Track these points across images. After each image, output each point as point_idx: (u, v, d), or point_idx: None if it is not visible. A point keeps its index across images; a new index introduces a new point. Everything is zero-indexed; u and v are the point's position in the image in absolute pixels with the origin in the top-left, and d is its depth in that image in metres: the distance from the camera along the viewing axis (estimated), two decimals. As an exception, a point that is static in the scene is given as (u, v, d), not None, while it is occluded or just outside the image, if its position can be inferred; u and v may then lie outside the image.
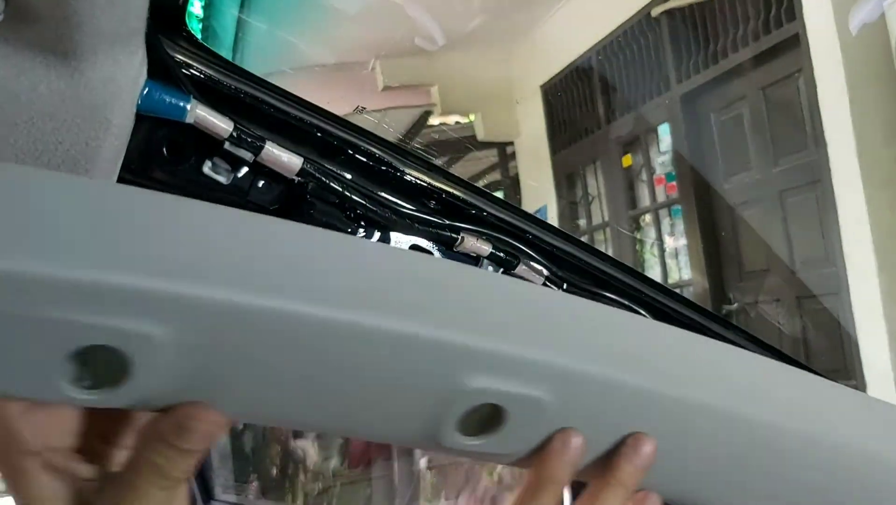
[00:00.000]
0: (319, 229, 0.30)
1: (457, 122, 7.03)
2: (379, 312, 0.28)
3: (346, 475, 3.74)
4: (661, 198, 4.28)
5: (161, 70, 0.51)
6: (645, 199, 4.45)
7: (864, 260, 2.88)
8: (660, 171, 4.26)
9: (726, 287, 3.79)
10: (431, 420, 0.32)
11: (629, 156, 4.50)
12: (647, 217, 4.48)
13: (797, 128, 3.25)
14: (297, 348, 0.28)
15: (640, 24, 4.02)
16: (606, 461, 0.38)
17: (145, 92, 0.49)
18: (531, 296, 0.35)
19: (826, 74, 2.94)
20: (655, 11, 3.82)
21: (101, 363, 0.27)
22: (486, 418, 0.33)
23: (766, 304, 3.53)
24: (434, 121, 6.67)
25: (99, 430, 0.32)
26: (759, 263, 3.62)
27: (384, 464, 3.75)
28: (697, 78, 3.70)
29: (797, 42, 3.07)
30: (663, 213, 4.32)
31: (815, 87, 3.00)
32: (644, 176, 4.41)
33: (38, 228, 0.24)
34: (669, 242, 4.32)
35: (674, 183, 4.09)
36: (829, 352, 3.15)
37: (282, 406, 0.30)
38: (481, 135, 5.49)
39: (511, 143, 5.72)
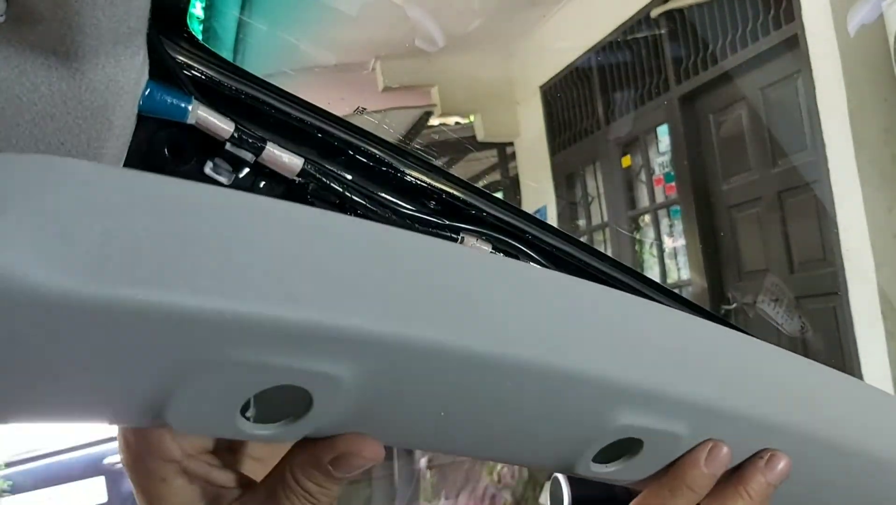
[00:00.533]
0: (492, 263, 0.31)
1: (457, 123, 7.04)
2: (548, 352, 0.29)
3: (345, 475, 3.74)
4: (660, 198, 4.29)
5: (162, 71, 0.51)
6: (644, 200, 4.46)
7: (862, 260, 2.88)
8: (659, 172, 4.26)
9: (725, 287, 3.79)
10: (574, 451, 0.33)
11: (628, 156, 4.50)
12: (647, 217, 4.48)
13: (796, 129, 3.25)
14: (467, 385, 0.28)
15: (640, 25, 4.03)
16: (737, 473, 0.38)
17: (147, 93, 0.50)
18: (676, 326, 0.35)
19: (824, 75, 2.94)
20: (655, 12, 3.82)
21: (275, 400, 0.27)
22: (621, 448, 0.34)
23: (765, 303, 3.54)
24: (434, 121, 6.67)
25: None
26: (757, 263, 3.62)
27: (384, 464, 3.75)
28: (696, 79, 3.70)
29: (796, 43, 3.07)
30: (662, 213, 4.33)
31: (813, 88, 3.00)
32: (643, 176, 4.42)
33: (242, 270, 0.23)
34: (668, 243, 4.32)
35: (673, 183, 4.10)
36: (827, 351, 3.15)
37: (438, 436, 0.31)
38: (481, 135, 5.50)
39: (511, 144, 5.72)
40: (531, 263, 0.51)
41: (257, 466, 0.33)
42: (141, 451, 0.31)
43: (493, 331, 0.27)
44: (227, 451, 0.33)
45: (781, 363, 0.39)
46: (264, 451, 0.33)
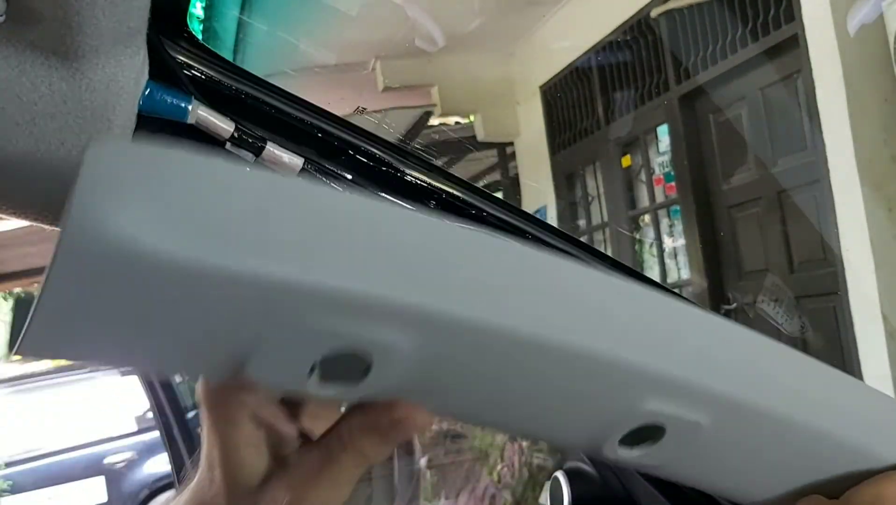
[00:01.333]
0: (542, 257, 0.33)
1: (457, 123, 7.04)
2: (591, 339, 0.32)
3: (345, 475, 3.74)
4: (660, 198, 4.29)
5: (162, 71, 0.51)
6: (644, 200, 4.46)
7: (861, 259, 2.89)
8: (659, 172, 4.26)
9: (725, 287, 3.80)
10: (603, 433, 0.36)
11: (628, 156, 4.51)
12: (647, 217, 4.49)
13: (795, 128, 3.26)
14: (514, 366, 0.32)
15: (640, 25, 4.03)
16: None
17: (147, 92, 0.49)
18: (697, 322, 0.38)
19: (824, 75, 2.94)
20: (654, 12, 3.82)
21: (339, 365, 0.30)
22: (644, 434, 0.36)
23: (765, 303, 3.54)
24: (434, 121, 6.68)
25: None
26: (757, 262, 3.63)
27: (384, 463, 3.75)
28: (696, 79, 3.71)
29: (796, 43, 3.07)
30: (662, 213, 4.33)
31: (813, 87, 3.01)
32: (643, 176, 4.42)
33: (322, 247, 0.28)
34: (668, 242, 4.33)
35: (673, 183, 4.10)
36: (827, 351, 3.16)
37: (477, 409, 0.35)
38: (481, 135, 5.50)
39: (511, 144, 5.73)
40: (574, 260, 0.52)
41: (316, 424, 0.36)
42: (220, 396, 0.34)
43: (542, 317, 0.31)
44: (292, 405, 0.36)
45: (791, 360, 0.41)
46: (323, 411, 0.37)
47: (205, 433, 0.35)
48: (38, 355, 0.31)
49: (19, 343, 0.29)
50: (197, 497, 0.36)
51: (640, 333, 0.34)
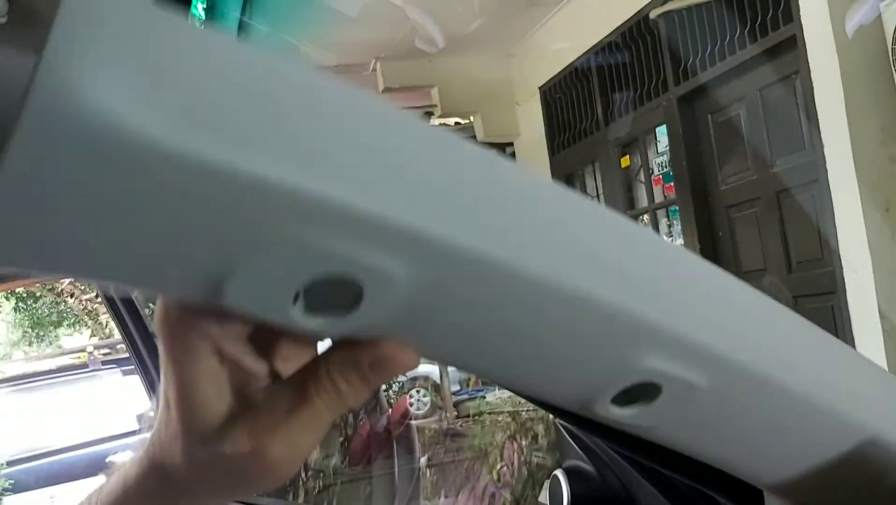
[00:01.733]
0: (553, 190, 0.31)
1: (457, 123, 7.04)
2: (593, 281, 0.30)
3: (346, 473, 3.76)
4: (658, 198, 4.30)
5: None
6: (643, 200, 4.47)
7: (859, 259, 2.89)
8: (658, 172, 4.27)
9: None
10: (595, 389, 0.33)
11: (627, 157, 4.51)
12: (646, 217, 4.50)
13: (794, 129, 3.26)
14: (509, 302, 0.29)
15: (638, 26, 4.04)
16: None
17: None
18: (715, 279, 0.35)
19: (822, 76, 2.95)
20: (653, 14, 3.83)
21: (325, 295, 0.27)
22: (638, 393, 0.34)
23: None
24: (434, 122, 6.69)
25: (269, 331, 0.31)
26: (755, 262, 3.64)
27: (384, 462, 3.76)
28: (695, 79, 3.71)
29: (794, 44, 3.08)
30: (661, 213, 4.34)
31: (811, 88, 3.01)
32: (642, 176, 4.43)
33: (323, 151, 0.25)
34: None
35: (671, 183, 4.11)
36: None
37: (470, 355, 0.31)
38: (481, 136, 5.51)
39: (510, 144, 5.73)
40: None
41: (287, 366, 0.33)
42: (180, 323, 0.30)
43: (545, 256, 0.29)
44: (261, 343, 0.32)
45: (802, 329, 0.39)
46: (297, 351, 0.33)
47: (162, 367, 0.31)
48: None
49: None
50: (154, 441, 0.32)
51: (645, 282, 0.32)
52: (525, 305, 0.29)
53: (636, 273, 0.32)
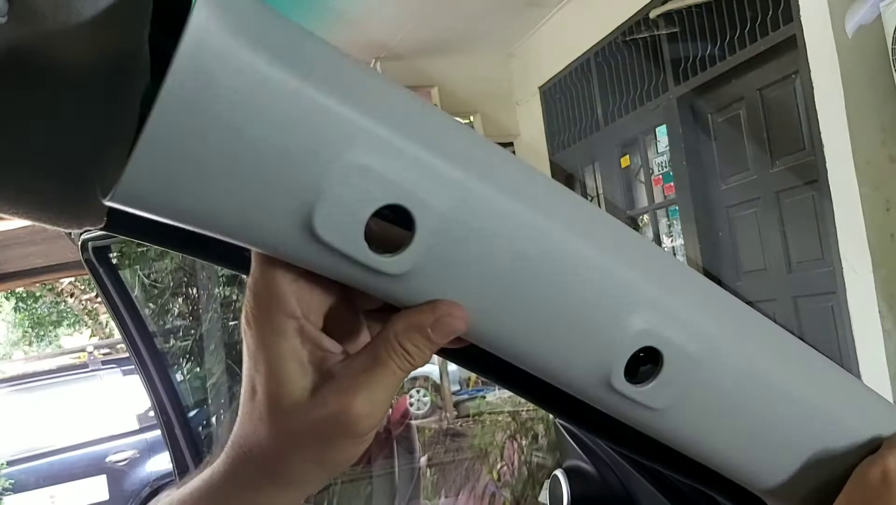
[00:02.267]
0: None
1: (457, 123, 7.05)
2: (586, 242, 0.36)
3: (347, 473, 3.76)
4: (658, 198, 4.30)
5: (164, 71, 0.52)
6: (643, 200, 4.47)
7: (859, 259, 2.90)
8: (657, 172, 4.27)
9: (723, 286, 3.80)
10: (602, 360, 0.37)
11: (627, 156, 4.52)
12: (646, 217, 4.50)
13: (793, 129, 3.26)
14: (528, 254, 0.35)
15: (639, 26, 4.04)
16: None
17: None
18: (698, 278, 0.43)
19: (822, 76, 2.95)
20: (654, 13, 3.83)
21: (388, 228, 0.34)
22: (647, 372, 0.38)
23: (763, 303, 3.55)
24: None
25: (346, 315, 0.38)
26: (755, 262, 3.64)
27: (384, 462, 3.76)
28: (695, 80, 3.71)
29: (794, 44, 3.08)
30: (661, 213, 4.34)
31: (811, 88, 3.01)
32: (642, 176, 4.43)
33: (383, 107, 0.33)
34: (667, 242, 4.34)
35: (671, 183, 4.11)
36: (825, 351, 3.16)
37: (499, 318, 0.36)
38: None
39: (511, 144, 5.74)
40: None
41: (352, 347, 0.38)
42: (268, 305, 0.35)
43: (547, 212, 0.36)
44: (334, 323, 0.37)
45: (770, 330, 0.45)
46: (358, 334, 0.38)
47: (248, 359, 0.36)
48: (133, 204, 0.32)
49: (117, 187, 0.30)
50: (238, 434, 0.36)
51: (635, 252, 0.38)
52: (538, 257, 0.35)
53: (627, 246, 0.38)
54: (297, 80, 0.30)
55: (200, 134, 0.30)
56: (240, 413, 0.37)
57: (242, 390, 0.37)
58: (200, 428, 3.20)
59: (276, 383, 0.35)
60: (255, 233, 0.33)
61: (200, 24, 0.29)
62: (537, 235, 0.35)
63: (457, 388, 7.81)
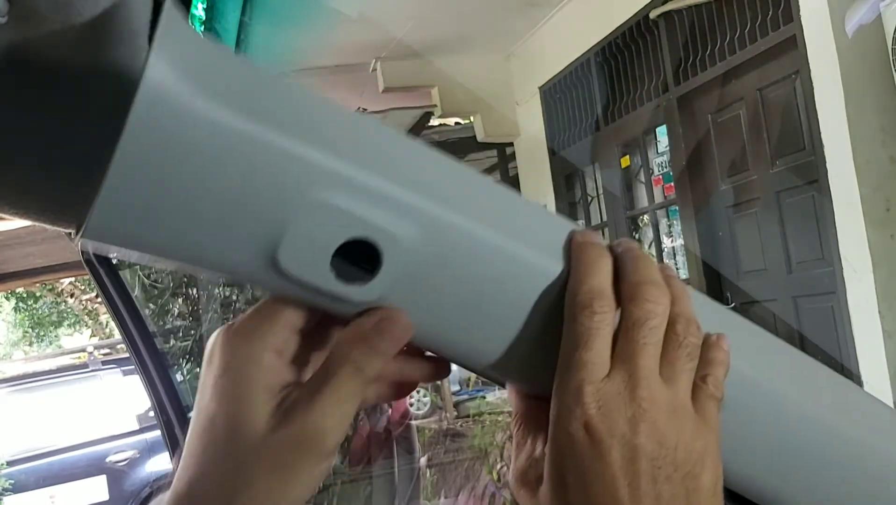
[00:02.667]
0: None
1: (457, 123, 7.05)
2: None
3: (346, 473, 3.76)
4: (658, 198, 4.30)
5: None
6: (643, 200, 4.47)
7: (859, 259, 2.90)
8: (658, 172, 4.27)
9: (723, 287, 3.81)
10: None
11: (627, 157, 4.52)
12: (646, 217, 4.50)
13: (794, 129, 3.27)
14: (475, 266, 0.35)
15: (639, 26, 4.04)
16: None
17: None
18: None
19: (823, 76, 2.95)
20: (653, 14, 3.83)
21: (353, 259, 0.34)
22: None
23: (763, 303, 3.55)
24: (434, 122, 6.69)
25: (302, 343, 0.37)
26: (755, 262, 3.64)
27: (384, 462, 3.77)
28: (695, 80, 3.72)
29: (794, 44, 3.08)
30: (661, 213, 4.34)
31: (811, 88, 3.02)
32: (642, 177, 4.43)
33: (353, 150, 0.34)
34: (667, 242, 4.34)
35: (671, 184, 4.11)
36: (825, 351, 3.16)
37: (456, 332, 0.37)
38: (481, 136, 5.51)
39: (510, 144, 5.74)
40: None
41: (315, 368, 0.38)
42: (246, 327, 0.35)
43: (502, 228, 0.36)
44: (298, 353, 0.37)
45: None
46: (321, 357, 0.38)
47: (209, 389, 0.35)
48: (103, 240, 0.32)
49: (85, 226, 0.31)
50: (185, 482, 0.35)
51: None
52: (502, 280, 0.36)
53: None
54: (255, 125, 0.31)
55: (160, 180, 0.31)
56: (184, 458, 0.35)
57: (191, 430, 0.36)
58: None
59: (240, 412, 0.34)
60: (223, 266, 0.34)
61: (156, 75, 0.29)
62: (504, 260, 0.35)
63: (457, 388, 7.81)
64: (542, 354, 0.36)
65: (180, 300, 4.05)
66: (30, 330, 12.57)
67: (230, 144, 0.31)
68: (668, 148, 4.05)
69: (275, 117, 0.32)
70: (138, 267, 3.64)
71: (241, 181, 0.32)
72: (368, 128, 0.35)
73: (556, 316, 0.36)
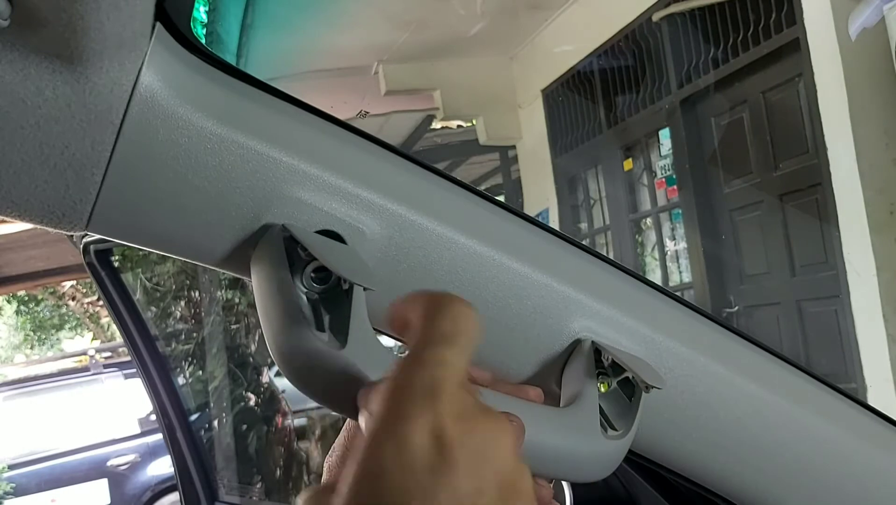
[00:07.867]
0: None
1: (459, 126, 7.05)
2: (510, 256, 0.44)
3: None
4: (661, 201, 4.29)
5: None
6: (646, 203, 4.46)
7: (863, 263, 2.89)
8: (660, 175, 4.27)
9: (727, 290, 3.80)
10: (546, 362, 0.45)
11: (630, 160, 4.51)
12: (648, 220, 4.49)
13: (797, 132, 3.26)
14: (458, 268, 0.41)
15: (642, 29, 4.04)
16: None
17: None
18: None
19: (826, 79, 2.95)
20: (657, 16, 3.83)
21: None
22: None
23: (766, 307, 3.54)
24: (436, 125, 6.69)
25: None
26: (759, 266, 3.63)
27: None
28: (698, 82, 3.71)
29: (797, 47, 3.08)
30: (664, 216, 4.33)
31: (815, 91, 3.01)
32: (645, 180, 4.42)
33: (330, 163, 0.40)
34: (670, 246, 4.33)
35: (674, 187, 4.10)
36: (829, 355, 3.16)
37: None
38: (483, 139, 5.51)
39: (513, 147, 5.73)
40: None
41: None
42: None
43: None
44: None
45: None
46: None
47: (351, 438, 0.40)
48: (106, 233, 0.38)
49: (90, 217, 0.36)
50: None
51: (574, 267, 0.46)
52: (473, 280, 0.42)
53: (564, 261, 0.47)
54: (232, 131, 0.37)
55: (152, 180, 0.37)
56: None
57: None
58: (202, 432, 3.19)
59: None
60: (209, 255, 0.40)
61: (147, 86, 0.35)
62: (475, 260, 0.41)
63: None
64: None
65: (182, 303, 4.04)
66: (31, 333, 12.58)
67: (208, 147, 0.37)
68: (671, 151, 4.05)
69: (252, 125, 0.38)
70: (140, 270, 3.64)
71: (219, 178, 0.37)
72: (343, 135, 0.42)
73: (508, 299, 0.43)
